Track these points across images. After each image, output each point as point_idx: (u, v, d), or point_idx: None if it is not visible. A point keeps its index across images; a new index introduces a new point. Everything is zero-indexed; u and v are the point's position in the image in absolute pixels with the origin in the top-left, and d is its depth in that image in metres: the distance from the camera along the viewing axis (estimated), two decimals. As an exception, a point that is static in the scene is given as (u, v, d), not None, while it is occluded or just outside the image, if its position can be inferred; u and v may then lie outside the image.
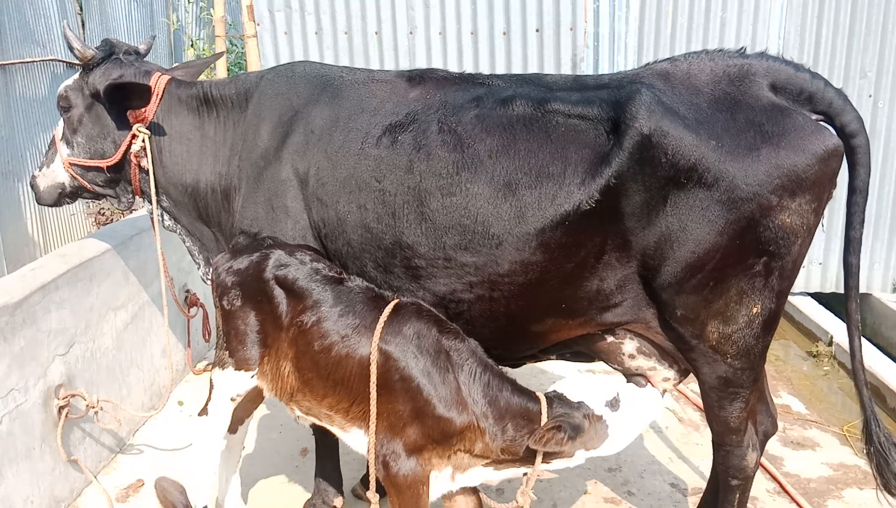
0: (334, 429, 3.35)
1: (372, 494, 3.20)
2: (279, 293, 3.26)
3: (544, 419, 3.08)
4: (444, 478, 3.20)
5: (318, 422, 3.41)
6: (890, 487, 3.39)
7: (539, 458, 3.12)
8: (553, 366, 5.82)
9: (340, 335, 3.15)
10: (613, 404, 3.16)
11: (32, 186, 4.30)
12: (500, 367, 3.24)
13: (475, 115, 3.31)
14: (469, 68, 6.63)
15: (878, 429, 3.37)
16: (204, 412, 3.55)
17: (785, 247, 3.03)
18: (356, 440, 3.26)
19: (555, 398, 3.16)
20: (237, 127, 3.84)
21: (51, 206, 4.36)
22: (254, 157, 3.70)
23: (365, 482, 4.35)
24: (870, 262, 7.01)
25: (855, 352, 3.36)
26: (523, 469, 3.21)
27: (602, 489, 4.53)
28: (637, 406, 3.23)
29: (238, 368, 3.37)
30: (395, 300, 3.22)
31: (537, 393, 3.19)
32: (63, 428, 4.24)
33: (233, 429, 3.76)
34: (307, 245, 3.52)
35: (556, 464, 3.20)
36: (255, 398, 3.70)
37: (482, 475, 3.24)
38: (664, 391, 3.45)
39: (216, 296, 3.42)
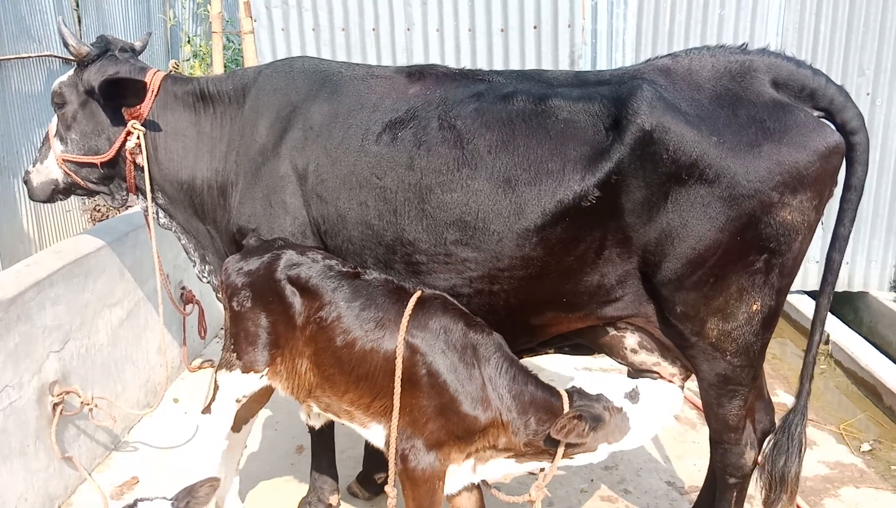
0: (353, 426, 3.32)
1: (390, 488, 3.19)
2: (292, 293, 3.23)
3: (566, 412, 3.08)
4: (465, 471, 3.20)
5: (335, 419, 3.40)
6: (768, 466, 3.41)
7: (560, 451, 3.11)
8: (551, 362, 5.81)
9: (364, 329, 3.13)
10: (633, 396, 3.16)
11: (26, 182, 4.28)
12: (521, 362, 3.24)
13: (475, 111, 3.29)
14: (467, 65, 6.57)
15: (801, 424, 3.39)
16: (207, 410, 3.52)
17: (786, 244, 3.03)
18: (376, 435, 3.25)
19: (575, 393, 3.16)
20: (234, 123, 3.82)
21: (44, 202, 4.34)
22: (251, 152, 3.68)
23: (361, 480, 4.34)
24: (867, 260, 7.01)
25: (812, 347, 3.36)
26: (544, 463, 3.21)
27: (599, 487, 4.52)
28: (657, 399, 3.22)
29: (246, 370, 3.35)
30: (419, 293, 3.20)
31: (558, 388, 3.19)
32: (57, 425, 4.21)
33: (236, 428, 3.75)
34: (317, 246, 3.50)
35: (579, 459, 3.20)
36: (260, 398, 3.68)
37: (503, 467, 3.24)
38: (682, 386, 3.43)
39: (225, 297, 3.40)
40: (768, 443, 3.47)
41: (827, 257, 3.32)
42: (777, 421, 3.61)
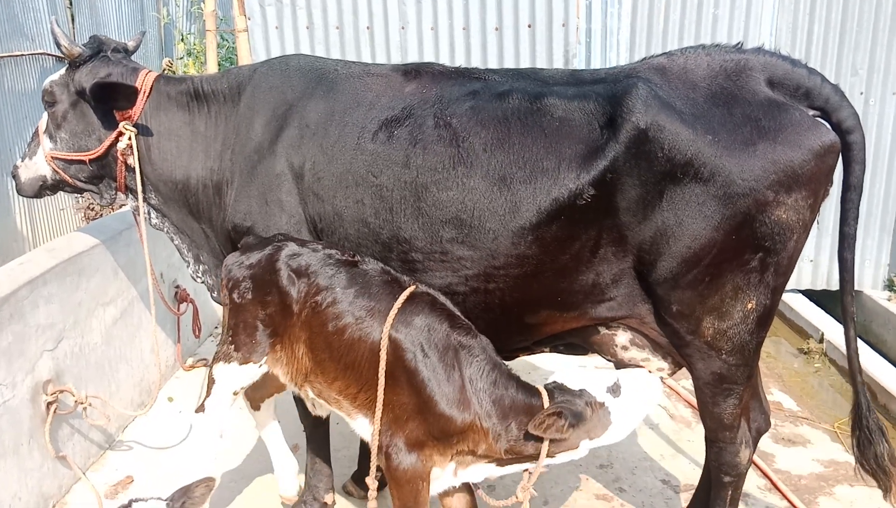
0: (342, 415, 3.34)
1: (371, 480, 3.19)
2: (290, 281, 3.25)
3: None
4: (446, 474, 3.20)
5: (327, 406, 3.42)
6: (864, 464, 3.49)
7: (544, 451, 3.07)
8: (545, 361, 5.81)
9: (355, 316, 3.14)
10: (615, 390, 3.14)
11: (14, 176, 4.27)
12: (507, 365, 3.22)
13: (471, 109, 3.30)
14: (461, 64, 6.60)
15: (869, 415, 3.43)
16: (201, 409, 3.52)
17: (781, 243, 3.03)
18: (362, 427, 3.26)
19: (555, 389, 3.13)
20: (229, 121, 3.81)
21: (31, 197, 4.34)
22: (247, 151, 3.67)
23: (356, 479, 4.34)
24: (860, 259, 7.02)
25: (850, 342, 3.41)
26: (527, 465, 3.19)
27: (594, 485, 4.52)
28: (638, 392, 3.20)
29: (244, 361, 3.36)
30: (412, 287, 3.20)
31: (538, 387, 3.16)
32: (51, 424, 4.20)
33: (255, 406, 3.80)
34: (318, 240, 3.50)
35: (561, 457, 3.17)
36: (279, 386, 3.67)
37: (485, 471, 3.23)
38: (661, 378, 3.43)
39: (226, 291, 3.41)
40: (854, 444, 3.50)
41: (839, 257, 3.34)
42: (772, 420, 3.62)
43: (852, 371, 3.46)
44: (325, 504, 4.14)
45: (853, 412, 3.48)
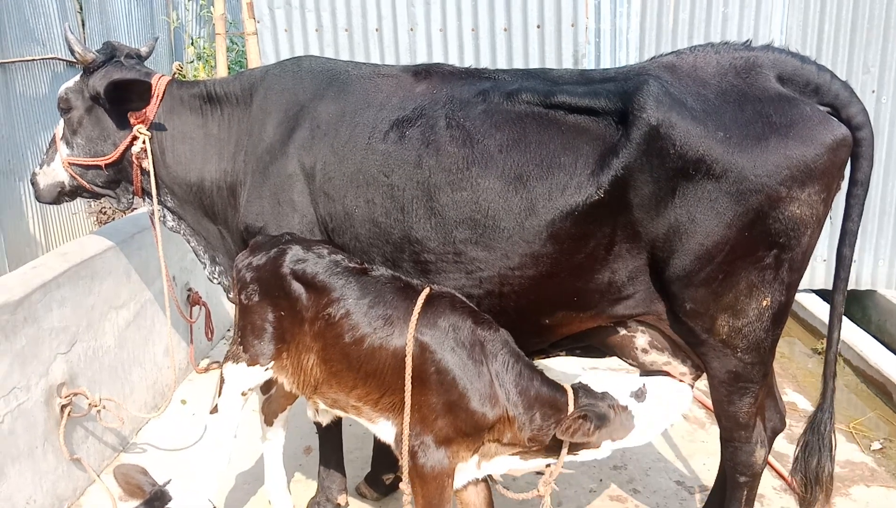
0: (361, 420, 3.34)
1: (405, 485, 3.19)
2: (298, 288, 3.25)
3: (571, 409, 3.09)
4: (470, 467, 3.21)
5: (342, 414, 3.42)
6: (800, 468, 3.49)
7: (565, 449, 3.12)
8: (557, 364, 5.79)
9: (372, 326, 3.14)
10: (639, 395, 3.17)
11: (32, 184, 4.31)
12: (528, 358, 3.24)
13: (482, 109, 3.30)
14: (470, 65, 6.61)
15: (829, 423, 3.42)
16: (215, 410, 3.53)
17: (794, 238, 3.02)
18: (384, 430, 3.26)
19: (580, 389, 3.17)
20: (242, 123, 3.84)
21: (50, 204, 4.38)
22: (259, 151, 3.69)
23: (369, 480, 4.34)
24: (874, 258, 6.98)
25: (832, 344, 3.41)
26: (549, 460, 3.22)
27: (608, 486, 4.50)
28: (664, 398, 3.22)
29: (251, 363, 3.36)
30: (427, 290, 3.20)
31: (564, 384, 3.20)
32: (65, 427, 4.22)
33: (269, 422, 3.84)
34: (325, 240, 3.51)
35: (583, 455, 3.20)
36: (287, 394, 3.69)
37: (508, 463, 3.24)
38: (691, 384, 3.42)
39: (235, 291, 3.43)
40: (799, 446, 3.49)
41: (837, 253, 3.33)
42: (787, 421, 3.60)
43: (825, 376, 3.44)
44: (339, 505, 4.14)
45: (814, 415, 3.46)
